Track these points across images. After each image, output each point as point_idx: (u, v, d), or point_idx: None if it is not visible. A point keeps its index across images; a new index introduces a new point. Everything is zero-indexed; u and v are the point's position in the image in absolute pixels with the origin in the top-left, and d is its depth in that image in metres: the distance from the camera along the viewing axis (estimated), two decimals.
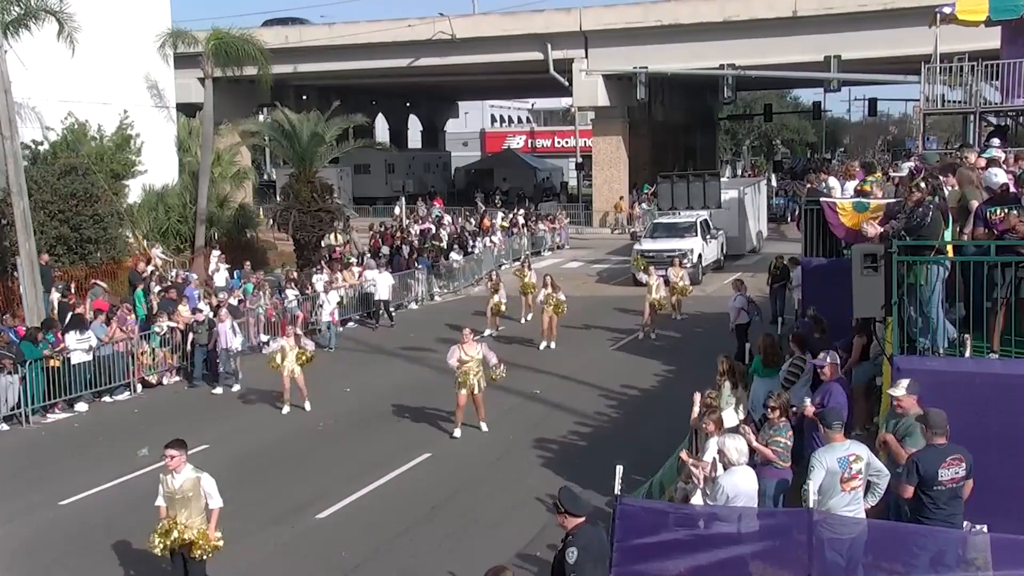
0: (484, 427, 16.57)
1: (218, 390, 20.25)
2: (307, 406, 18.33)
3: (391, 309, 27.47)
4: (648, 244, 32.60)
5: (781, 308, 23.05)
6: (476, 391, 16.24)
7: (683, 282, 25.86)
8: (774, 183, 51.80)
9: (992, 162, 12.14)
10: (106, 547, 12.42)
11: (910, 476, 8.43)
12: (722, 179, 37.38)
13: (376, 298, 27.18)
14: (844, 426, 9.26)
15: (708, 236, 33.78)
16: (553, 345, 23.07)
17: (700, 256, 32.31)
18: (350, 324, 26.91)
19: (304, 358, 18.26)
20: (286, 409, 18.29)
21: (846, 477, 8.69)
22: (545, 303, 23.02)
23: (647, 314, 24.03)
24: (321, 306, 24.81)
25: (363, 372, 21.72)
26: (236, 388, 20.22)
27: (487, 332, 24.41)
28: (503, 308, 25.27)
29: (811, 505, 8.40)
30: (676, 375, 19.93)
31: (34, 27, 24.37)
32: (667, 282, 25.04)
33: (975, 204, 10.83)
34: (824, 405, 10.25)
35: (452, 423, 16.58)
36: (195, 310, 21.85)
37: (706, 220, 34.04)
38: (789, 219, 48.08)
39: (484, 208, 50.56)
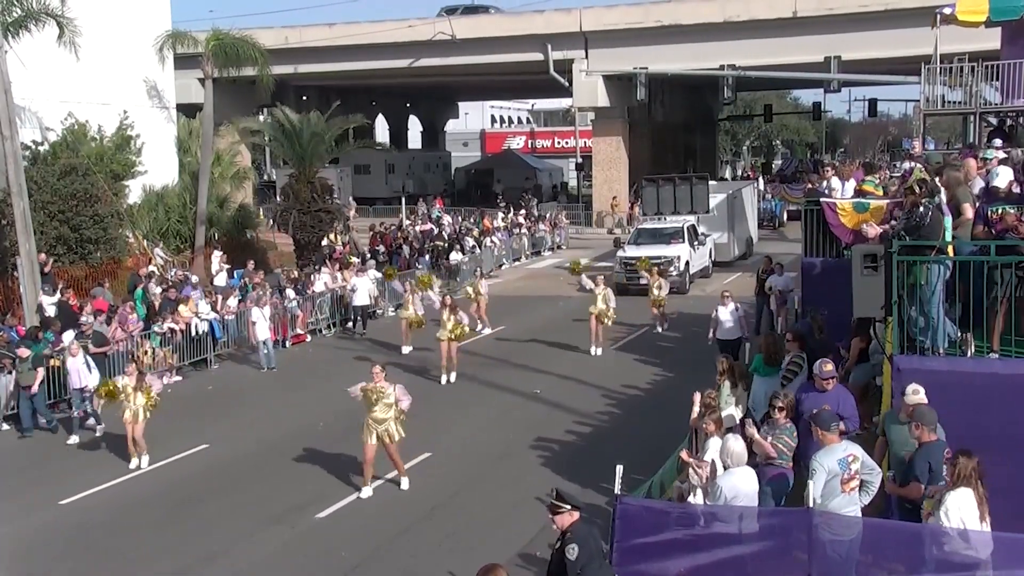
0: (405, 484, 13.98)
1: (73, 439, 16.94)
2: (143, 462, 15.37)
3: (367, 316, 26.19)
4: (632, 251, 30.66)
5: (770, 317, 21.91)
6: (389, 441, 13.58)
7: (661, 292, 24.09)
8: (761, 186, 49.78)
9: (974, 166, 12.17)
10: (106, 547, 12.44)
11: (923, 475, 8.40)
12: (710, 182, 36.09)
13: (354, 304, 25.75)
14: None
15: (696, 242, 32.21)
16: (454, 378, 20.21)
17: (687, 263, 30.84)
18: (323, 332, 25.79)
19: (149, 401, 15.39)
20: (136, 462, 15.34)
21: (845, 478, 8.68)
22: (442, 329, 20.14)
23: (594, 327, 22.15)
24: (255, 323, 22.24)
25: (363, 370, 21.66)
26: (100, 430, 17.20)
27: (405, 349, 22.77)
28: (420, 323, 22.51)
29: (811, 506, 8.40)
30: (676, 375, 19.92)
31: (34, 29, 24.39)
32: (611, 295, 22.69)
33: (967, 206, 10.80)
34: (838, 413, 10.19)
35: (362, 477, 13.98)
36: (19, 344, 18.09)
37: (693, 225, 32.50)
38: (777, 224, 47.59)
39: (483, 210, 50.51)
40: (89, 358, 17.68)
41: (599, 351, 22.39)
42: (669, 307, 25.08)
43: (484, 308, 24.90)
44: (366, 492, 13.77)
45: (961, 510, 7.74)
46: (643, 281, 26.30)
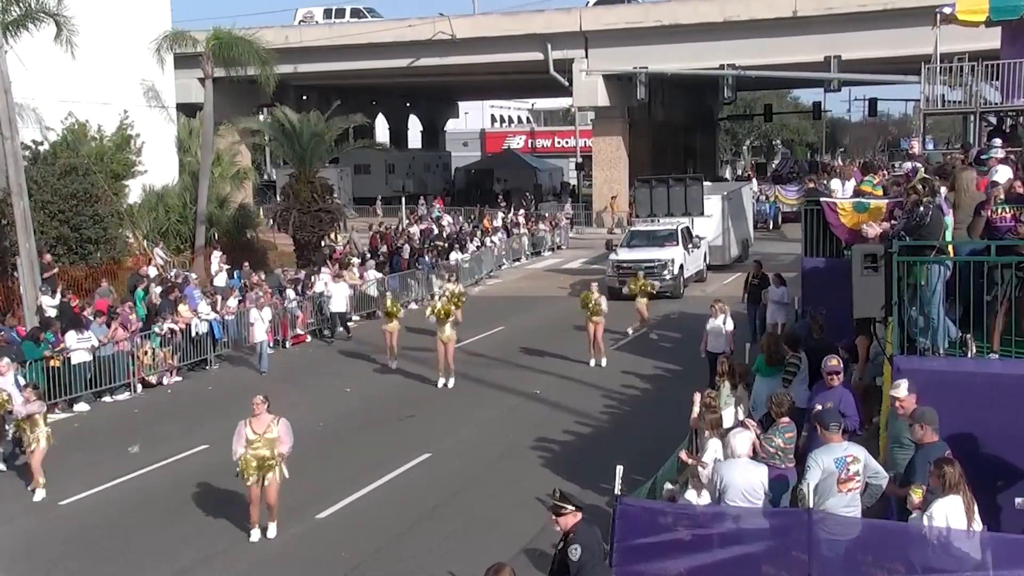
0: (271, 531, 12.46)
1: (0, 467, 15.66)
2: (37, 495, 14.13)
3: (348, 322, 25.49)
4: (624, 254, 30.21)
5: (761, 326, 21.20)
6: (267, 483, 12.22)
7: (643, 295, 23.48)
8: (755, 187, 48.82)
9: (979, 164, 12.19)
10: (106, 547, 12.44)
11: (923, 476, 8.38)
12: (705, 183, 34.99)
13: (332, 310, 25.13)
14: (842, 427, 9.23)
15: (690, 245, 31.43)
16: (452, 383, 19.81)
17: (681, 267, 30.26)
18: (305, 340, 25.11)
19: (40, 435, 14.06)
20: (39, 495, 14.22)
21: (843, 478, 8.63)
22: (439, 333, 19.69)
23: (594, 335, 21.23)
24: (252, 324, 21.98)
25: (363, 371, 21.70)
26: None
27: (392, 364, 21.53)
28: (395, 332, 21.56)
29: (809, 505, 8.40)
30: (676, 375, 19.93)
31: (34, 28, 24.39)
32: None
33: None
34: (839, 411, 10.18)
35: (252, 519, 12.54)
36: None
37: (687, 227, 32.00)
38: (772, 227, 47.37)
39: (483, 210, 50.49)
40: (20, 377, 16.20)
41: (604, 361, 21.26)
42: (665, 309, 25.02)
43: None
44: (255, 536, 12.37)
45: (948, 518, 7.73)
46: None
